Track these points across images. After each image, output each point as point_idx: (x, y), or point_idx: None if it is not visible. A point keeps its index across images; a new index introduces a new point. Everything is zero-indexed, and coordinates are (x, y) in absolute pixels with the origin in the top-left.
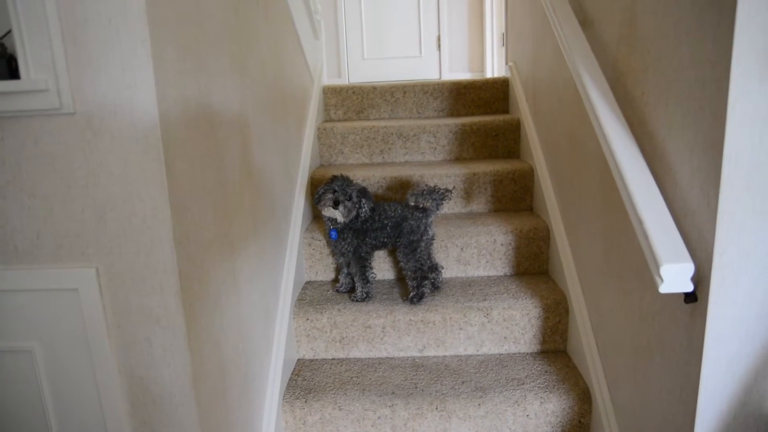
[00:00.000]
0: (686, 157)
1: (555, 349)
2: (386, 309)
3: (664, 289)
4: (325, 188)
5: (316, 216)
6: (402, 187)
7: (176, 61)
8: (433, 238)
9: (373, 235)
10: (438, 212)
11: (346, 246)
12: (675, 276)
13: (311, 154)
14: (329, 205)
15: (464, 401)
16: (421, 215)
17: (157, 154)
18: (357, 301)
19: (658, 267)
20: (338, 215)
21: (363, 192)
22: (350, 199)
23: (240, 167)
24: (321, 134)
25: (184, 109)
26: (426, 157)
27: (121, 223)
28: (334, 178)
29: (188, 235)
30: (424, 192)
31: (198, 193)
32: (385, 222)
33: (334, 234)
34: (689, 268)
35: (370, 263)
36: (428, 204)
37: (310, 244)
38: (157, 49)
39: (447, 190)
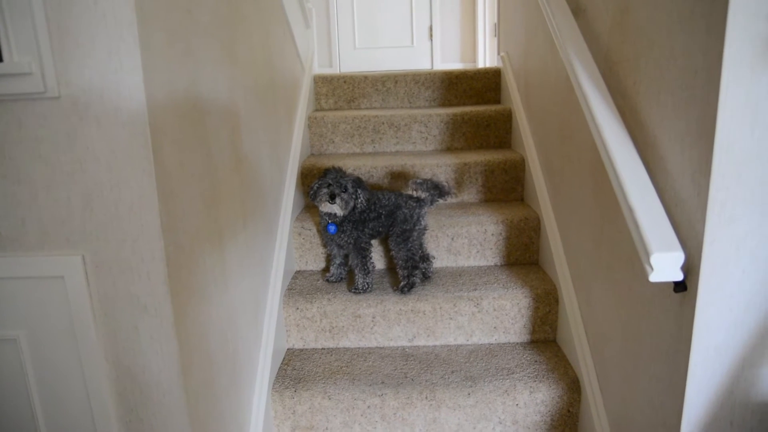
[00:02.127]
0: (677, 146)
1: (545, 338)
2: (376, 298)
3: (654, 278)
4: (319, 183)
5: (306, 205)
6: (393, 176)
7: (164, 46)
8: (425, 229)
9: (371, 225)
10: (432, 206)
11: (345, 238)
12: (665, 265)
13: (302, 144)
14: (326, 200)
15: (454, 391)
16: (415, 204)
17: (144, 140)
18: (359, 292)
19: (648, 256)
20: (336, 209)
21: (358, 182)
22: (346, 190)
23: (229, 155)
24: (312, 123)
25: (172, 95)
26: (417, 146)
27: (107, 209)
28: (327, 171)
29: (176, 222)
30: (427, 184)
31: (186, 181)
32: (380, 211)
33: (332, 228)
34: (679, 257)
35: (370, 253)
36: (426, 196)
37: (300, 234)
38: (145, 34)
39: (448, 191)
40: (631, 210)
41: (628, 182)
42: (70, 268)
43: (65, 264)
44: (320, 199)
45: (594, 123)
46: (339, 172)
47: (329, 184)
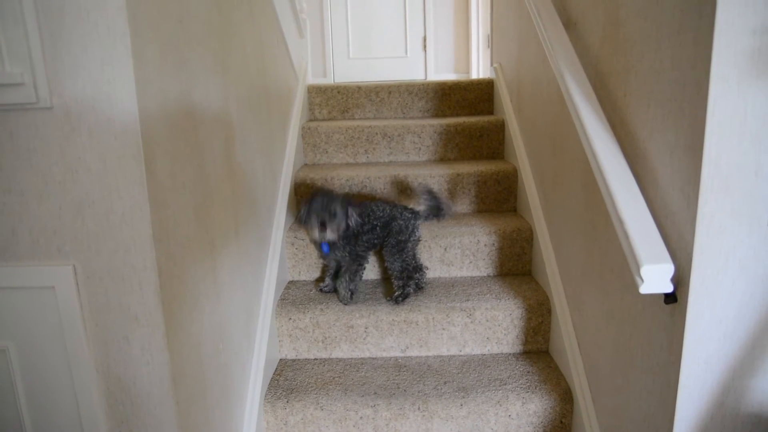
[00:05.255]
0: (667, 158)
1: (537, 349)
2: (369, 309)
3: (644, 289)
4: (306, 210)
5: None
6: (387, 187)
7: (157, 56)
8: (419, 239)
9: (365, 237)
10: (426, 221)
11: (340, 254)
12: (655, 277)
13: (295, 154)
14: (316, 228)
15: (446, 401)
16: (410, 216)
17: (136, 151)
18: (346, 303)
19: (638, 268)
20: (328, 236)
21: (347, 201)
22: (335, 216)
23: (222, 165)
24: (305, 133)
25: (165, 105)
26: (410, 157)
27: (99, 219)
28: (314, 196)
29: (168, 232)
30: (434, 200)
31: (178, 191)
32: (375, 223)
33: (326, 248)
34: (669, 269)
35: (365, 262)
36: (423, 210)
37: (293, 244)
38: (138, 45)
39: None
40: (621, 222)
41: (619, 194)
42: (61, 278)
43: (56, 274)
44: (311, 227)
45: (584, 134)
46: (326, 196)
47: (318, 213)
